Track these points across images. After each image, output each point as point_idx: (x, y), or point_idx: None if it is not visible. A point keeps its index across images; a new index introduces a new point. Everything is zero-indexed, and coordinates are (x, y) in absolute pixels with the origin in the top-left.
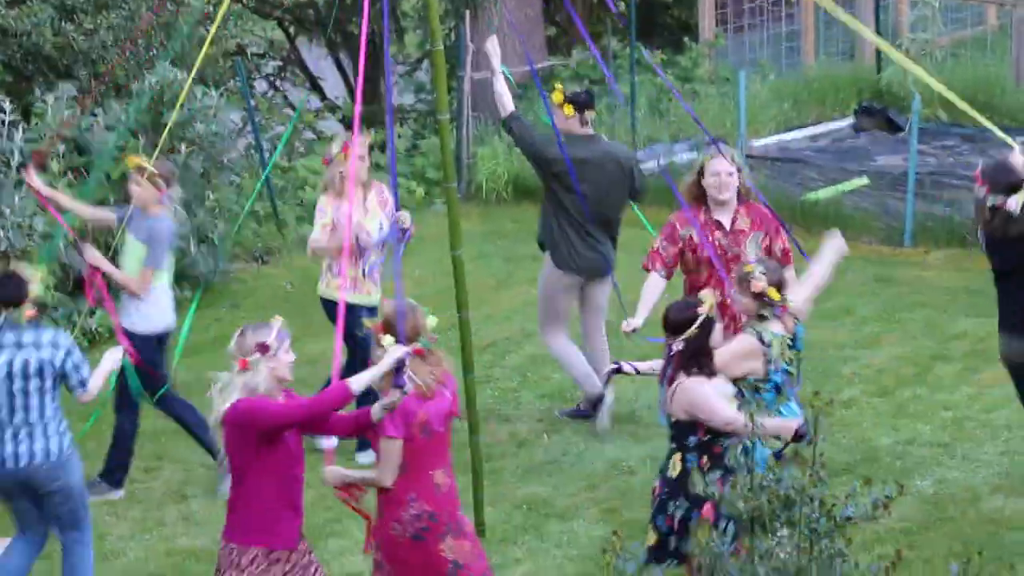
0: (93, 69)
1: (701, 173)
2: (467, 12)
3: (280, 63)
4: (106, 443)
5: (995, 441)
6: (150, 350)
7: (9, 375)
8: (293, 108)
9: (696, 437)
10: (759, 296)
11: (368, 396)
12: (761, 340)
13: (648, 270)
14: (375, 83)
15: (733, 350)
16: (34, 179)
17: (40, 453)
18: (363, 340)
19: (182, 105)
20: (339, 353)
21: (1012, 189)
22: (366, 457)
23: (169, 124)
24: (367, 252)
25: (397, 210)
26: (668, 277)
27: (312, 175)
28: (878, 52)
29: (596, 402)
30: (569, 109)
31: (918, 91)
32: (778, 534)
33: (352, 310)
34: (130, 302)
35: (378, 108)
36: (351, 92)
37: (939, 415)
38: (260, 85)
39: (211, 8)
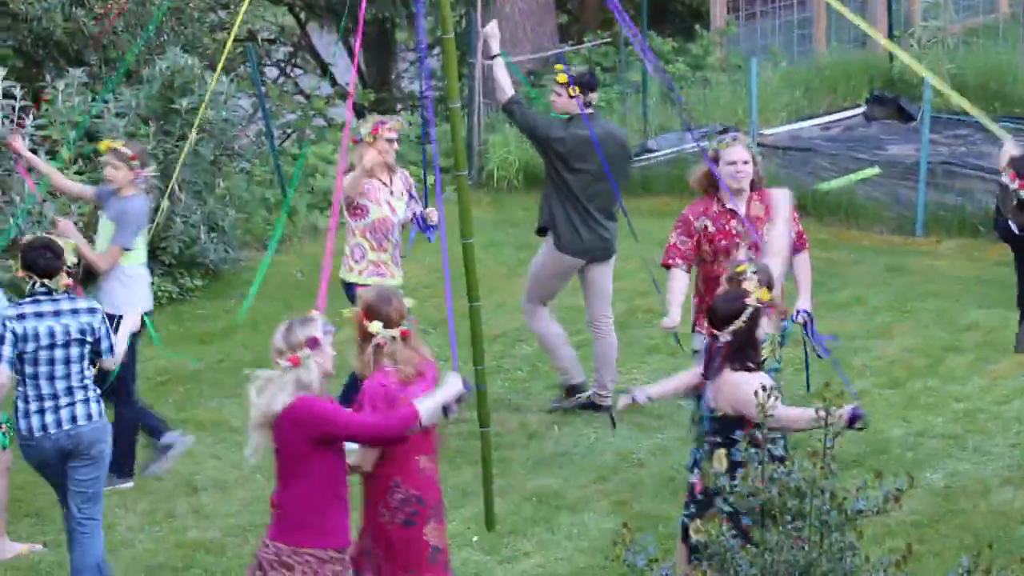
0: (104, 54)
1: (715, 161)
2: None
3: (291, 49)
4: None
5: (1007, 433)
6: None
7: (51, 344)
8: (304, 95)
9: (743, 431)
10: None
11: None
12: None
13: (669, 266)
14: (385, 70)
15: None
16: (17, 141)
17: (83, 417)
18: None
19: (193, 91)
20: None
21: None
22: None
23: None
24: (393, 235)
25: (427, 205)
26: (688, 270)
27: (322, 162)
28: (890, 39)
29: (572, 390)
30: (574, 90)
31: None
32: (788, 526)
33: None
34: (108, 285)
35: (388, 95)
36: (362, 78)
37: (950, 407)
38: (271, 71)
39: None
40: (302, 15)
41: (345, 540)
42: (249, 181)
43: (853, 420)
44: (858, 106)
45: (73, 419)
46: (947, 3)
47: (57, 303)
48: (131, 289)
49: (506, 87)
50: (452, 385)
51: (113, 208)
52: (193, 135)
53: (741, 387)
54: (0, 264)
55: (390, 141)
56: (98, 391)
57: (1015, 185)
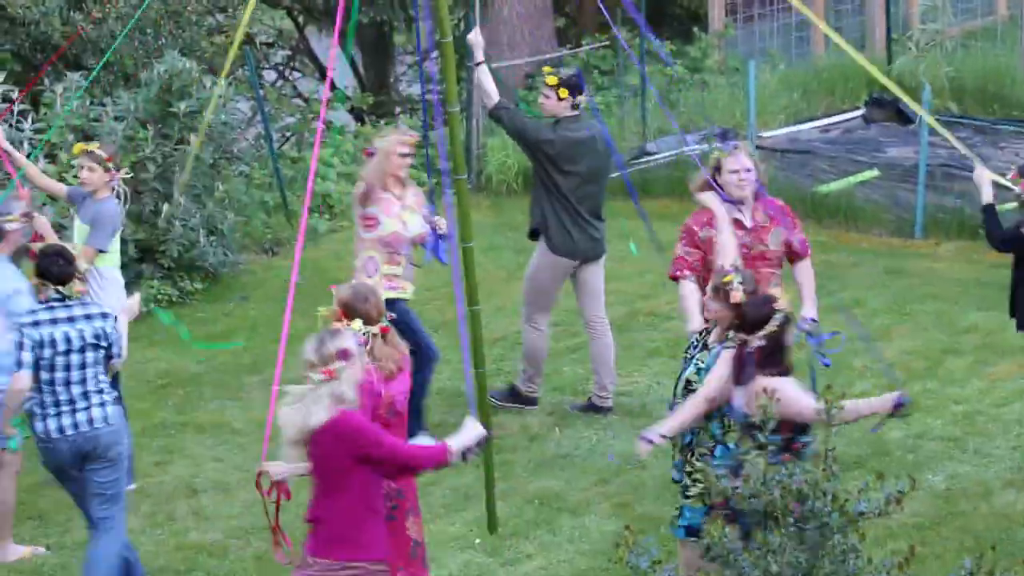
0: (102, 58)
1: (717, 169)
2: (476, 2)
3: (289, 52)
4: None
5: (1007, 436)
6: None
7: (68, 349)
8: (302, 98)
9: (779, 436)
10: (736, 306)
11: None
12: None
13: (677, 279)
14: (383, 74)
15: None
16: None
17: (100, 420)
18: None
19: (191, 95)
20: None
21: None
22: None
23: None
24: (405, 249)
25: (435, 214)
26: (697, 281)
27: (322, 166)
28: (888, 42)
29: (525, 400)
30: (564, 92)
31: (929, 82)
32: (790, 529)
33: (390, 304)
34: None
35: (387, 99)
36: (361, 82)
37: (950, 409)
38: (269, 75)
39: None
40: (300, 18)
41: (384, 552)
42: (248, 184)
43: (898, 407)
44: (857, 108)
45: (90, 421)
46: (945, 6)
47: (70, 309)
48: (107, 291)
49: (492, 93)
50: (472, 430)
51: (88, 210)
52: (197, 143)
53: (777, 391)
54: None
55: (403, 156)
56: (114, 394)
57: (1018, 189)
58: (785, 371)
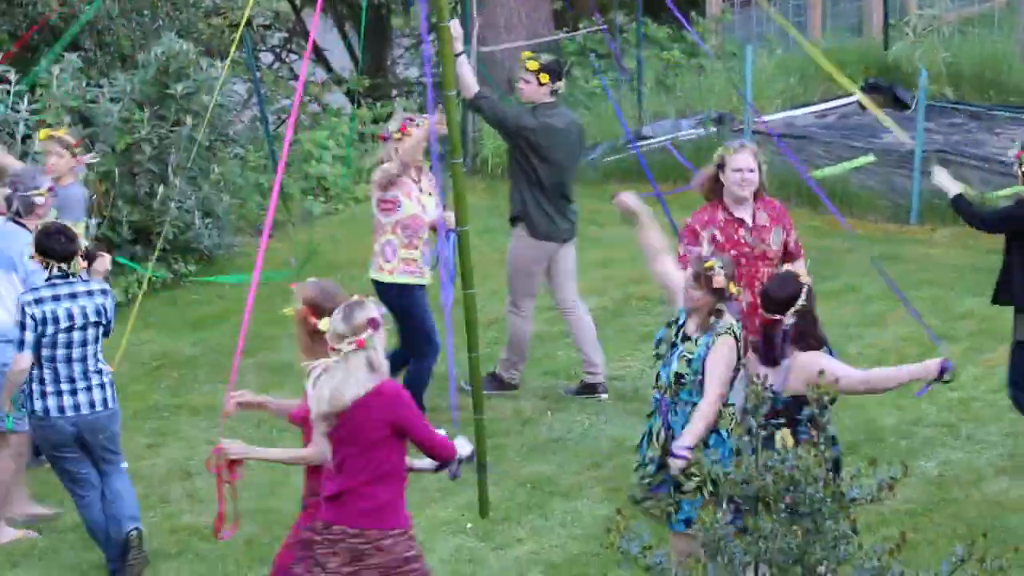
0: (99, 39)
1: (721, 167)
2: None
3: (286, 35)
4: None
5: (1000, 422)
6: None
7: (70, 326)
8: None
9: (810, 410)
10: (718, 291)
11: None
12: (735, 336)
13: None
14: (380, 56)
15: (727, 360)
16: None
17: (99, 403)
18: (407, 317)
19: (188, 76)
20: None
21: None
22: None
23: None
24: (423, 232)
25: (445, 207)
26: None
27: (317, 148)
28: (886, 27)
29: (507, 387)
30: (545, 77)
31: (926, 67)
32: (782, 515)
33: (408, 290)
34: None
35: (383, 81)
36: (357, 64)
37: (944, 395)
38: (266, 57)
39: None
40: (297, 1)
41: (409, 520)
42: (243, 167)
43: (943, 372)
44: (853, 94)
45: (91, 404)
46: None
47: (72, 285)
48: None
49: (471, 83)
50: (462, 447)
51: (56, 198)
52: (200, 129)
53: (816, 364)
54: None
55: (418, 140)
56: (110, 374)
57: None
58: (819, 343)
